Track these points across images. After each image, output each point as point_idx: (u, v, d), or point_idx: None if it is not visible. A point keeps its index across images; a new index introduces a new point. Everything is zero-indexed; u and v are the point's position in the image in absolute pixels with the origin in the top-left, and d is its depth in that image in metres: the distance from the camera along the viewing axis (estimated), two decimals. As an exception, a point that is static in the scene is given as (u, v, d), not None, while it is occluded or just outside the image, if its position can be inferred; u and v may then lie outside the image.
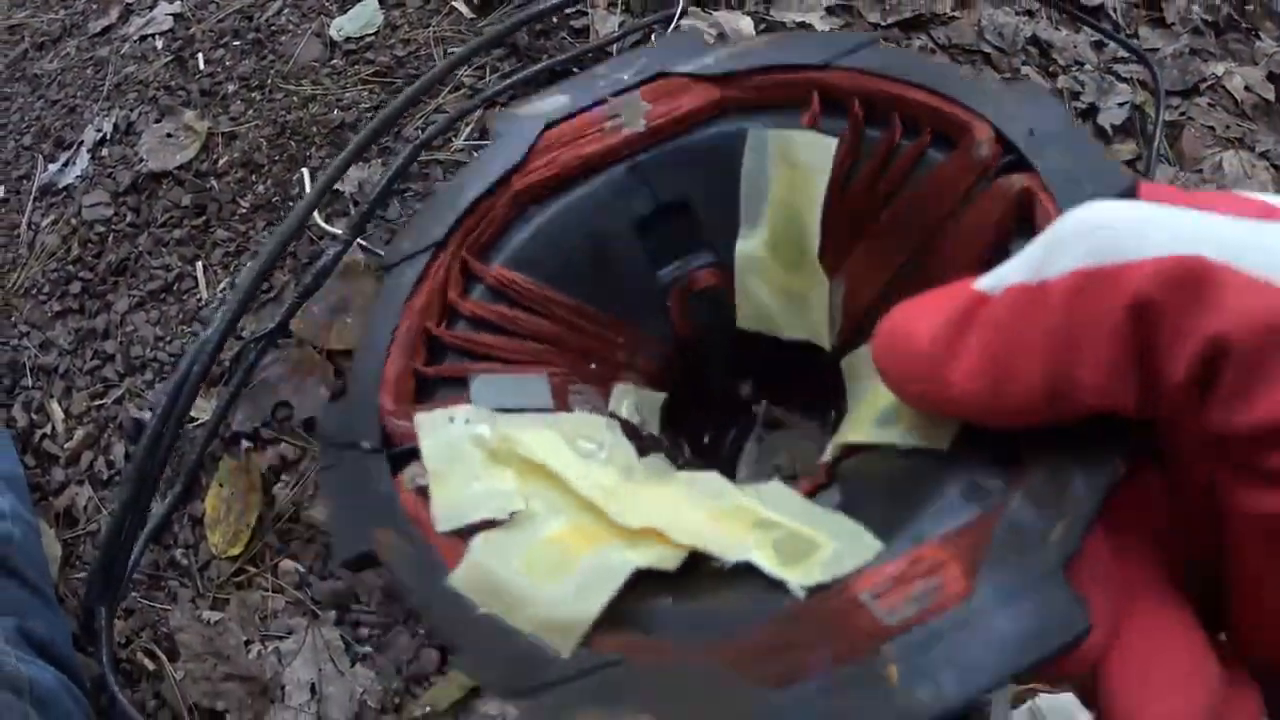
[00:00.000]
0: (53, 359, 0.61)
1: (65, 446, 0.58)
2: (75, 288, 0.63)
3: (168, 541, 0.53)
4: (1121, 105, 0.67)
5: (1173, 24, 0.76)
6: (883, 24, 0.69)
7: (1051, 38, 0.67)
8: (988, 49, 0.65)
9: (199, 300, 0.58)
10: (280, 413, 0.53)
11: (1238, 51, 0.77)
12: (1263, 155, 0.68)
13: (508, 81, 0.63)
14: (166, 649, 0.52)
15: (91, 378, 0.59)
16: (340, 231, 0.56)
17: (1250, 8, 0.80)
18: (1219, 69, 0.73)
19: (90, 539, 0.56)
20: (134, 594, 0.53)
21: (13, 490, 0.56)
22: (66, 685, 0.48)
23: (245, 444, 0.52)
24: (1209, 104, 0.71)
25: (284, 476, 0.52)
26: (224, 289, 0.59)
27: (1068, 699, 0.36)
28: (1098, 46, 0.72)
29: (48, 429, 0.59)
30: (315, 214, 0.57)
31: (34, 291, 0.64)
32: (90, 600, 0.49)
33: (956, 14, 0.67)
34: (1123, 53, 0.69)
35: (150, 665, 0.52)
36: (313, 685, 0.49)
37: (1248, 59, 0.76)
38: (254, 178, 0.65)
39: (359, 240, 0.56)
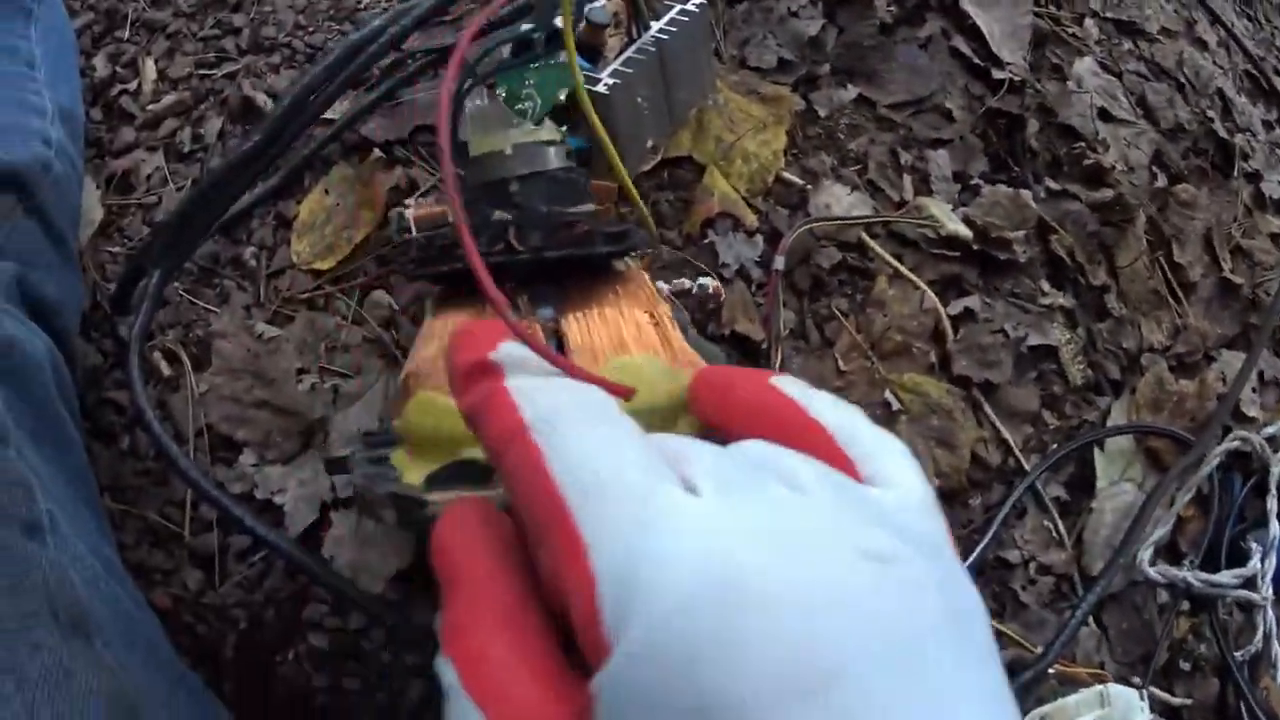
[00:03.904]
0: (164, 16, 0.51)
1: (148, 108, 0.48)
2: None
3: (239, 235, 0.44)
4: None
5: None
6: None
7: (1234, 99, 0.62)
8: (1182, 80, 0.60)
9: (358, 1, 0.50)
10: (421, 136, 0.44)
11: None
12: None
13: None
14: (194, 355, 0.42)
15: (205, 45, 0.50)
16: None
17: None
18: None
19: (143, 211, 0.46)
20: (174, 283, 0.43)
21: (66, 126, 0.46)
22: (56, 363, 0.38)
23: (376, 153, 0.43)
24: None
25: (408, 202, 0.43)
26: None
27: (1131, 693, 0.39)
28: (1267, 126, 0.68)
29: (132, 85, 0.50)
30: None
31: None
32: (145, 259, 0.39)
33: (1162, 39, 0.62)
34: None
35: (167, 370, 0.42)
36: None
37: None
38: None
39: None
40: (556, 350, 0.26)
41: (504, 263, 0.28)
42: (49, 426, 0.36)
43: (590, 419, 0.15)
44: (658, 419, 0.23)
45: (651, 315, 0.28)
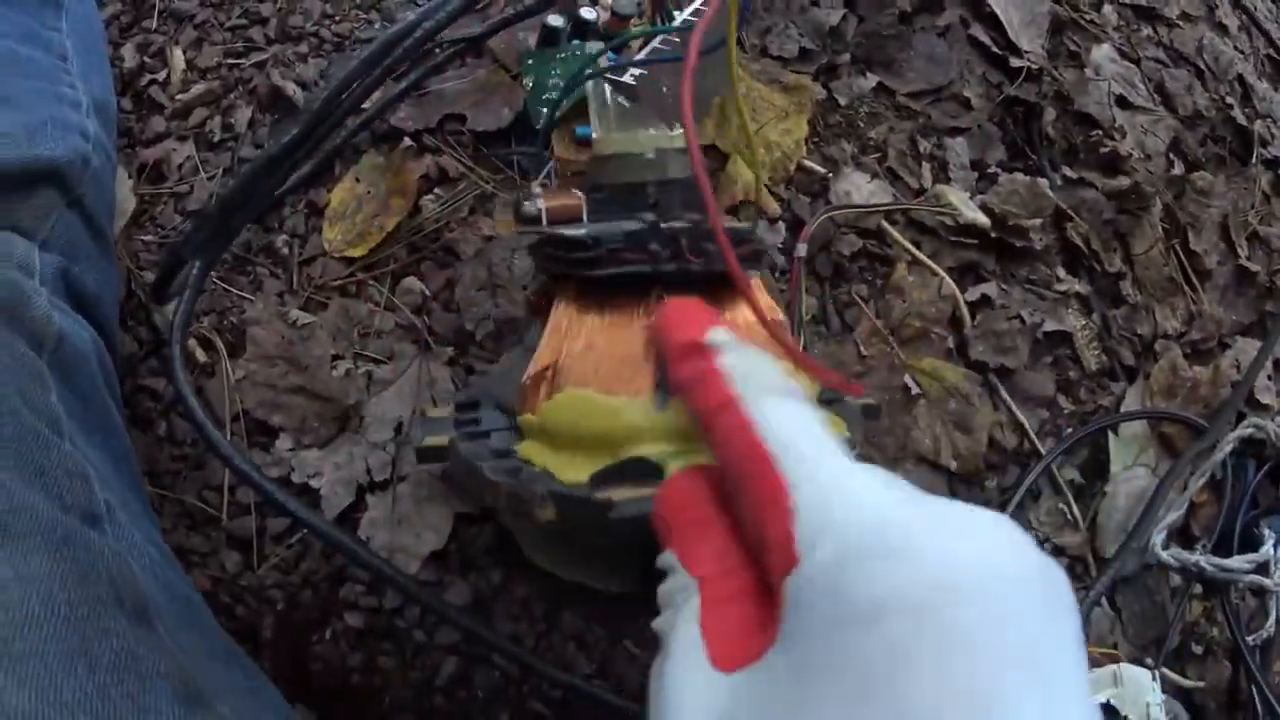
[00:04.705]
0: (191, 6, 0.52)
1: (177, 98, 0.49)
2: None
3: (271, 224, 0.45)
4: None
5: None
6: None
7: (1255, 84, 0.62)
8: (1201, 66, 0.60)
9: (384, -10, 0.50)
10: (449, 125, 0.45)
11: None
12: None
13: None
14: (229, 343, 0.43)
15: (232, 34, 0.50)
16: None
17: None
18: None
19: (175, 200, 0.47)
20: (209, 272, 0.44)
21: (101, 118, 0.47)
22: (100, 353, 0.39)
23: (406, 142, 0.44)
24: None
25: (437, 190, 0.44)
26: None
27: (1144, 673, 0.40)
28: None
29: (161, 75, 0.50)
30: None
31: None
32: (185, 249, 0.40)
33: (1182, 24, 0.62)
34: None
35: (203, 357, 0.43)
36: (400, 423, 0.41)
37: None
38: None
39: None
40: None
41: (669, 272, 0.27)
42: (97, 417, 0.36)
43: (785, 396, 0.19)
44: None
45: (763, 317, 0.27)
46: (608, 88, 0.33)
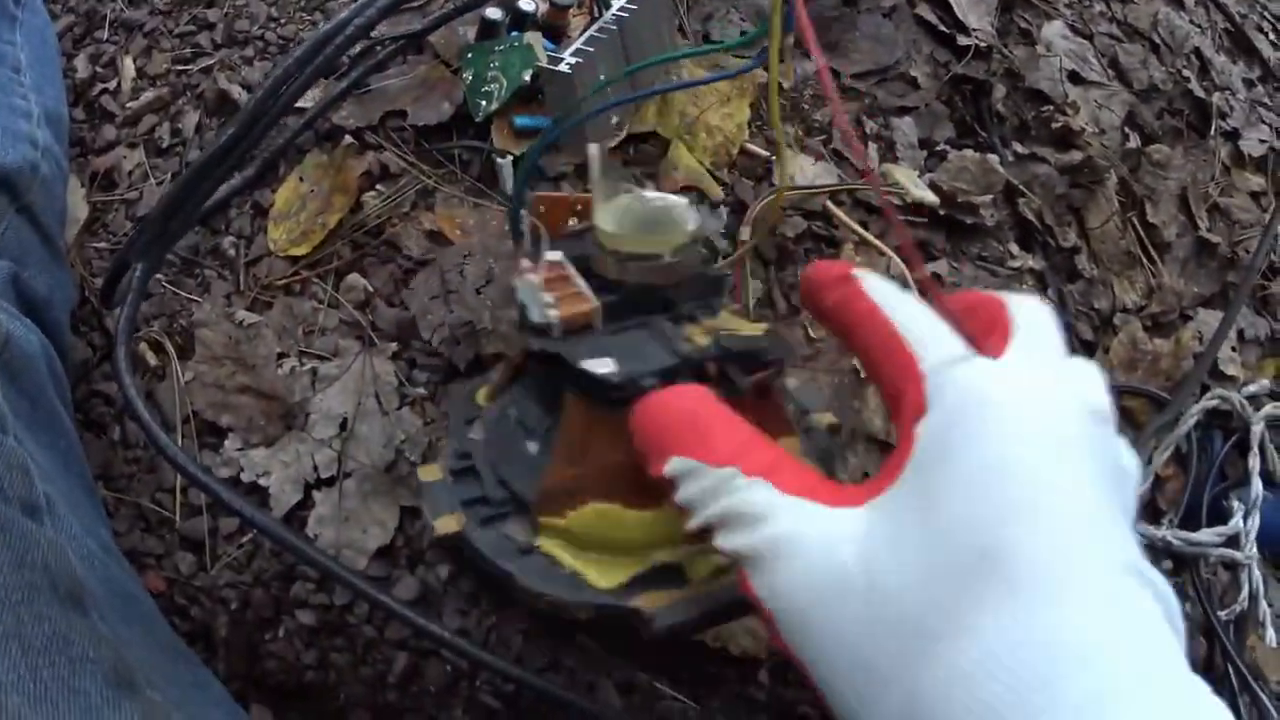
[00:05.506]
0: (141, 15, 0.52)
1: (127, 106, 0.50)
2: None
3: (218, 226, 0.45)
4: (1262, 142, 0.62)
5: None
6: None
7: (1213, 58, 0.62)
8: (1157, 40, 0.60)
9: (328, -8, 0.51)
10: (391, 122, 0.45)
11: None
12: None
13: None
14: (179, 345, 0.43)
15: (181, 41, 0.51)
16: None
17: None
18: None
19: (126, 207, 0.47)
20: (157, 276, 0.44)
21: (52, 128, 0.47)
22: (49, 356, 0.39)
23: (347, 139, 0.44)
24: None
25: (379, 187, 0.44)
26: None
27: None
28: (1248, 84, 0.67)
29: (112, 84, 0.51)
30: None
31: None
32: (129, 253, 0.40)
33: (1136, 0, 0.62)
34: (1265, 97, 0.64)
35: (153, 360, 0.43)
36: (345, 420, 0.41)
37: None
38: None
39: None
40: None
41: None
42: (44, 417, 0.37)
43: (914, 303, 0.24)
44: None
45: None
46: (599, 153, 0.31)
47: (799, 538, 0.21)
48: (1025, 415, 0.20)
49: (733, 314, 0.31)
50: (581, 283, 0.29)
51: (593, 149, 0.31)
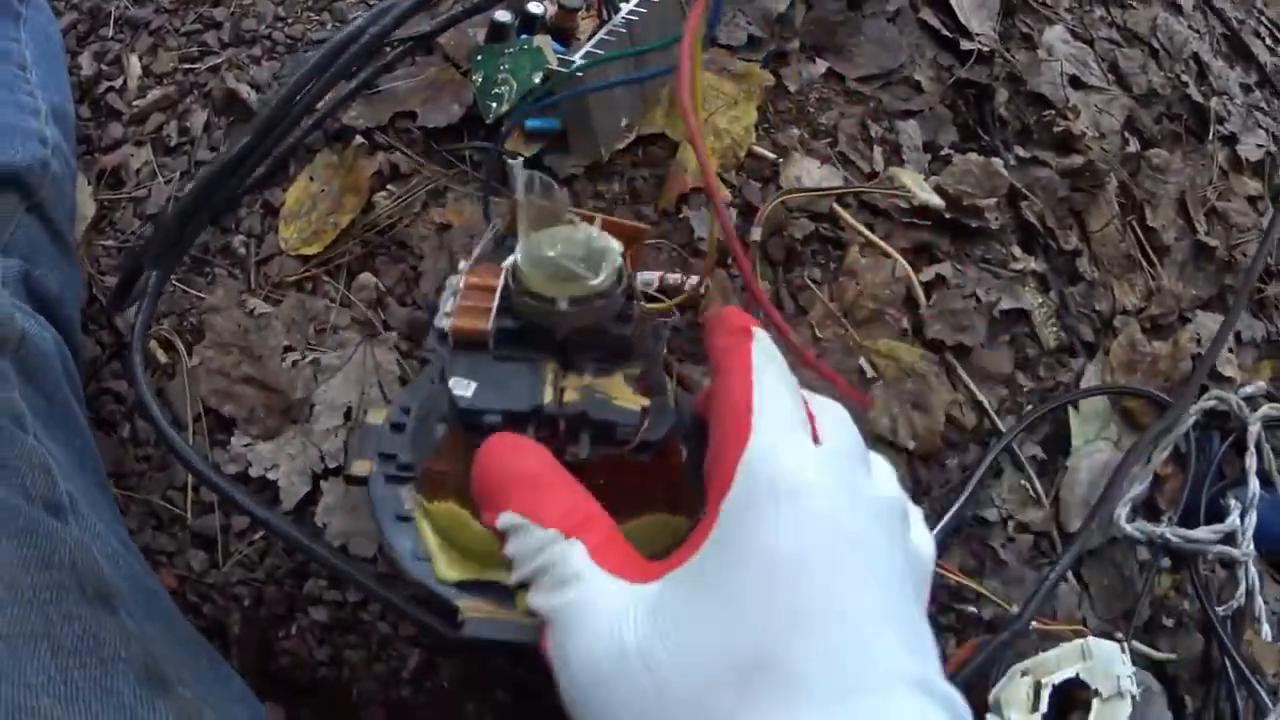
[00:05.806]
0: (146, 13, 0.52)
1: (134, 104, 0.50)
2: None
3: (228, 225, 0.45)
4: (1259, 146, 0.63)
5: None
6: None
7: (1211, 63, 0.63)
8: (1156, 45, 0.61)
9: (338, -9, 0.51)
10: (401, 123, 0.45)
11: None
12: None
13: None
14: (188, 343, 0.43)
15: (187, 40, 0.51)
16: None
17: None
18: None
19: (134, 205, 0.47)
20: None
21: (60, 125, 0.47)
22: (63, 353, 0.39)
23: (358, 140, 0.44)
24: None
25: (390, 187, 0.44)
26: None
27: (1113, 646, 0.41)
28: (1245, 89, 0.68)
29: (118, 83, 0.51)
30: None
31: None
32: (143, 259, 0.40)
33: (1135, 5, 0.62)
34: (1262, 102, 0.65)
35: (164, 358, 0.44)
36: (348, 410, 0.41)
37: None
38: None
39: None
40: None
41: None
42: (61, 414, 0.37)
43: (786, 385, 0.24)
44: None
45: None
46: (524, 177, 0.29)
47: (591, 610, 0.21)
48: (819, 510, 0.20)
49: (626, 383, 0.28)
50: (497, 301, 0.28)
51: (516, 165, 0.31)
